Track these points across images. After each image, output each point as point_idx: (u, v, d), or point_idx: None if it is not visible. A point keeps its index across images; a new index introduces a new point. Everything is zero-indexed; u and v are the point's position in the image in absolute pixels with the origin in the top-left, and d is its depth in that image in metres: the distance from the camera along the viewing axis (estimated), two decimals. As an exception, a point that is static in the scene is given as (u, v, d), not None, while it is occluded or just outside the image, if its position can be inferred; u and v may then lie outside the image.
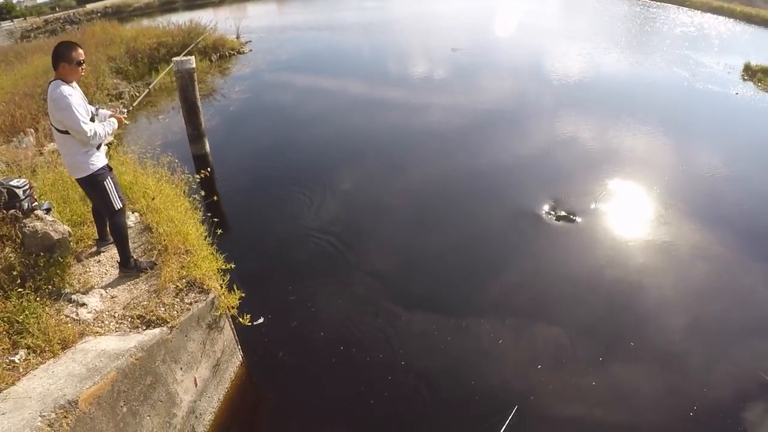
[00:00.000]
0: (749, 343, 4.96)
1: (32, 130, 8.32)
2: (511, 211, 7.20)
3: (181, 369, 3.81)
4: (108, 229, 4.22)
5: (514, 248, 6.44)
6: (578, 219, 6.92)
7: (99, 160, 3.79)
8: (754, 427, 4.07)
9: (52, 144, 7.72)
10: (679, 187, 7.80)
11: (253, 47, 18.46)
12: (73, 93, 3.55)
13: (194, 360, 3.97)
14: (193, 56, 8.61)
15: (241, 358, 4.74)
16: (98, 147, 3.81)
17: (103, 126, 3.75)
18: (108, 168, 3.91)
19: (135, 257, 4.22)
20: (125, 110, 4.26)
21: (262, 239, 6.71)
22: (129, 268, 4.14)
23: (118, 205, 3.92)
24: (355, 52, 17.76)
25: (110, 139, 3.88)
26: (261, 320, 5.05)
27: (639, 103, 11.74)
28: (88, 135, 3.57)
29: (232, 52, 17.26)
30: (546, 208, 7.18)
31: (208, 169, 6.72)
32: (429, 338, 5.05)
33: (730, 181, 8.05)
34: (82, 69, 3.68)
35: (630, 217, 7.08)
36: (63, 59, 3.55)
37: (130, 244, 4.18)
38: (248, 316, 4.55)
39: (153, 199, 5.09)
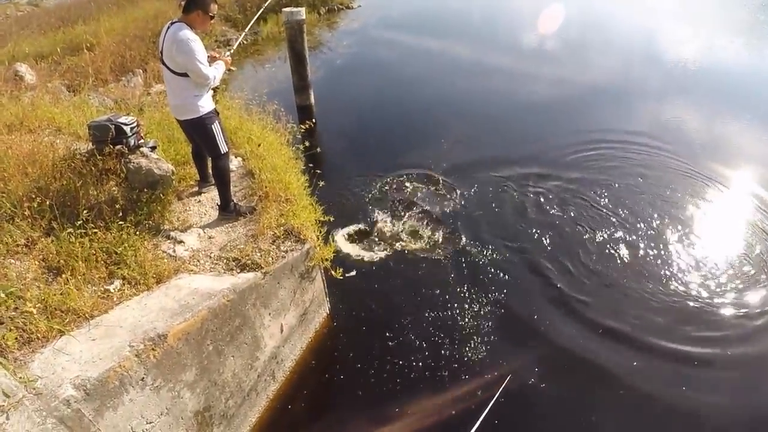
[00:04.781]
0: None
1: (141, 71, 8.66)
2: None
3: (270, 315, 3.76)
4: (210, 171, 4.24)
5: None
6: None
7: (208, 103, 3.78)
8: None
9: (159, 85, 8.00)
10: None
11: (362, 2, 18.05)
12: (197, 39, 3.55)
13: (283, 307, 3.92)
14: (303, 8, 8.48)
15: (328, 310, 4.65)
16: (207, 91, 3.81)
17: (216, 70, 3.77)
18: (215, 112, 3.88)
19: (235, 201, 4.21)
20: (229, 53, 4.19)
21: (361, 197, 6.49)
22: (229, 211, 4.13)
23: (224, 148, 3.90)
24: (467, 13, 16.61)
25: (218, 83, 3.87)
26: (353, 273, 4.90)
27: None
28: (209, 79, 3.60)
29: (340, 6, 16.95)
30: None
31: (313, 120, 6.69)
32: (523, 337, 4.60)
33: None
34: (212, 23, 3.74)
35: None
36: (200, 7, 3.51)
37: (231, 188, 4.18)
38: (340, 269, 4.40)
39: (259, 145, 5.07)
